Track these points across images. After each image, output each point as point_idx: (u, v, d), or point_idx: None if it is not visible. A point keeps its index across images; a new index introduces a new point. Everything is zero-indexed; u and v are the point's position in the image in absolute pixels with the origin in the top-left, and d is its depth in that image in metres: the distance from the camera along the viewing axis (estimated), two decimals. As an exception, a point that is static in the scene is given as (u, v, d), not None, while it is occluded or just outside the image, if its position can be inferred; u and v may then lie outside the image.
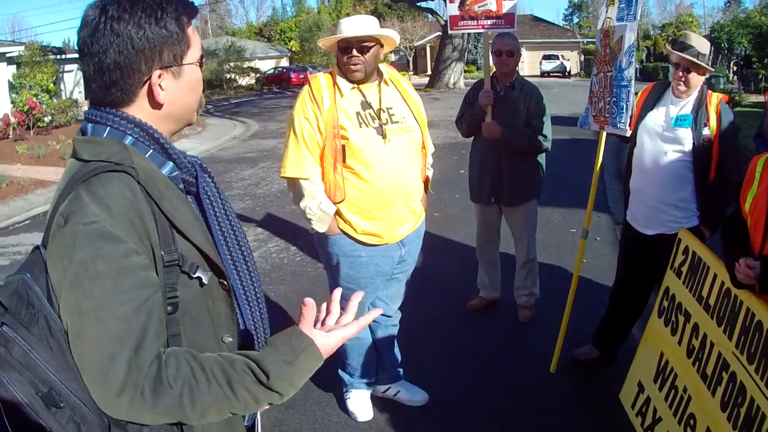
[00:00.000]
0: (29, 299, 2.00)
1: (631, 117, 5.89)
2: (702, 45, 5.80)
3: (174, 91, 2.27)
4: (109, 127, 2.20)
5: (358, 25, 5.06)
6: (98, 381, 1.91)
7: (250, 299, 2.54)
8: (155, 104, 2.24)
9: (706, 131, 5.65)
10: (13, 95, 31.20)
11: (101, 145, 2.16)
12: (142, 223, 2.06)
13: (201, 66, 2.38)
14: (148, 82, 2.20)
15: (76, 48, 2.21)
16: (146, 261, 2.05)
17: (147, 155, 2.23)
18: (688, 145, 5.71)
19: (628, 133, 5.92)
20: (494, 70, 7.46)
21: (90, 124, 2.24)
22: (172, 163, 2.29)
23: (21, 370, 1.93)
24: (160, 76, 2.21)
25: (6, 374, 1.93)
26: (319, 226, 5.17)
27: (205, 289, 2.26)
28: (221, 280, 2.33)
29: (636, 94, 6.09)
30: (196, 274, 2.21)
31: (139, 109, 2.23)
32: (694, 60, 5.68)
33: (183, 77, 2.29)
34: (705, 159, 5.66)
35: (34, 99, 29.90)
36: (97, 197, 2.02)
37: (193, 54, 2.32)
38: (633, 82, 5.79)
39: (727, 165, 5.62)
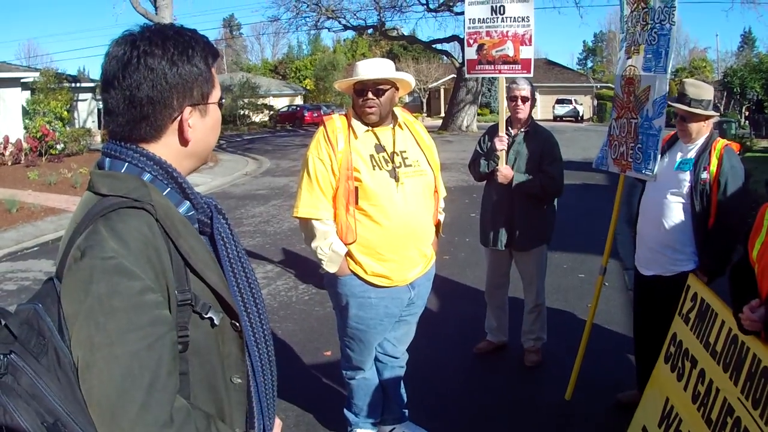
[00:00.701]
0: (40, 329, 1.99)
1: (657, 165, 5.97)
2: (698, 92, 5.86)
3: (199, 129, 2.31)
4: (127, 163, 2.21)
5: (374, 67, 5.12)
6: (106, 416, 1.90)
7: (258, 341, 2.52)
8: (183, 141, 2.28)
9: (704, 175, 5.69)
10: (27, 121, 31.37)
11: (120, 180, 2.18)
12: (158, 261, 2.08)
13: (221, 106, 2.43)
14: (179, 118, 2.25)
15: (102, 81, 2.24)
16: (161, 299, 2.05)
17: (165, 193, 2.24)
18: (686, 188, 5.78)
19: (655, 180, 5.98)
20: (509, 114, 7.49)
21: (108, 159, 2.25)
22: (188, 202, 2.32)
23: (27, 399, 1.91)
24: (190, 113, 2.25)
25: (12, 402, 1.90)
26: (330, 267, 5.19)
27: (216, 329, 2.26)
28: (233, 321, 2.34)
29: None
30: (208, 315, 2.22)
31: (164, 146, 2.26)
32: (687, 108, 5.77)
33: (208, 116, 2.34)
34: (703, 203, 5.72)
35: (48, 126, 30.11)
36: (116, 232, 2.03)
37: (216, 94, 2.37)
38: (663, 131, 5.87)
39: (727, 210, 5.64)
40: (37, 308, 2.03)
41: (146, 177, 2.22)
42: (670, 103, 5.85)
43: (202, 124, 2.33)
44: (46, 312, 2.02)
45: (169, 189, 2.26)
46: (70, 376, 1.95)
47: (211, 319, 2.22)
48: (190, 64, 2.22)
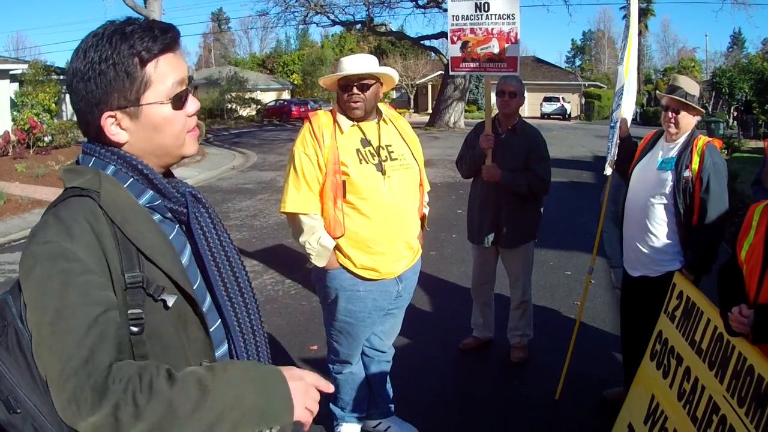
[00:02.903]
0: (3, 314, 2.15)
1: (613, 157, 6.08)
2: (690, 86, 5.90)
3: (134, 131, 2.32)
4: (94, 158, 2.34)
5: (358, 63, 5.15)
6: (54, 391, 1.97)
7: (244, 331, 2.52)
8: (110, 143, 2.34)
9: (686, 173, 5.70)
10: (15, 113, 31.19)
11: (78, 173, 2.30)
12: (100, 245, 2.15)
13: (180, 99, 2.35)
14: (98, 122, 2.29)
15: None
16: (102, 280, 2.12)
17: (126, 184, 2.31)
18: (669, 188, 5.79)
19: (608, 172, 6.12)
20: (496, 112, 7.47)
21: (81, 155, 2.39)
22: (152, 191, 2.36)
23: None
24: (113, 117, 2.29)
25: None
26: (319, 261, 5.21)
27: (174, 314, 2.28)
28: (192, 306, 2.36)
29: (639, 139, 6.23)
30: (160, 297, 2.24)
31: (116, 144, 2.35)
32: (683, 100, 5.78)
33: (142, 117, 2.31)
34: (687, 202, 5.72)
35: (36, 118, 29.86)
36: (59, 219, 2.15)
37: (158, 91, 2.30)
38: (618, 122, 6.10)
39: (710, 207, 5.65)
40: (7, 298, 2.19)
41: (110, 170, 2.31)
42: (665, 94, 5.91)
43: (136, 126, 2.31)
44: (14, 300, 2.17)
45: (131, 180, 2.33)
46: (28, 356, 2.08)
47: (163, 301, 2.24)
48: (104, 75, 2.23)
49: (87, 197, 2.20)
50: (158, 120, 2.34)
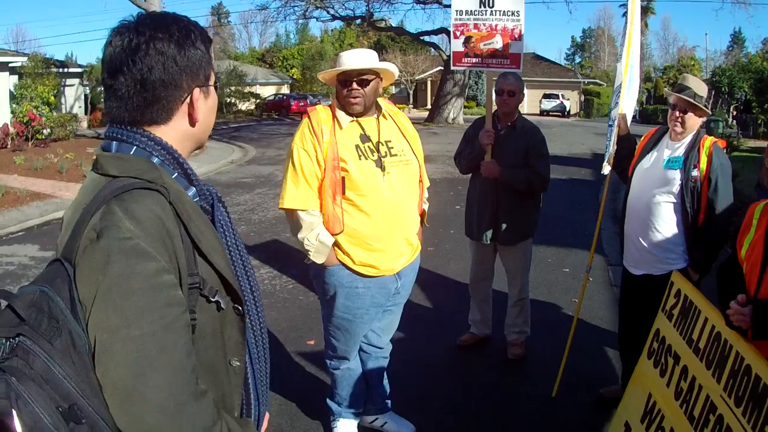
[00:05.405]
0: (51, 312, 1.95)
1: (610, 155, 6.08)
2: (699, 87, 5.88)
3: (203, 111, 2.35)
4: (135, 147, 2.23)
5: (357, 58, 5.13)
6: (122, 399, 1.90)
7: (254, 327, 2.55)
8: (193, 121, 2.33)
9: (694, 172, 5.69)
10: (14, 105, 31.28)
11: (130, 162, 2.19)
12: (171, 243, 2.09)
13: (216, 88, 2.46)
14: (189, 100, 2.29)
15: (108, 69, 2.23)
16: (175, 280, 2.06)
17: (173, 177, 2.26)
18: (676, 187, 5.77)
19: (605, 171, 6.09)
20: (496, 108, 7.47)
21: (114, 143, 2.26)
22: (194, 188, 2.35)
23: (41, 383, 1.86)
24: (198, 94, 2.29)
25: (25, 387, 1.83)
26: (317, 258, 5.18)
27: (221, 313, 2.28)
28: (236, 305, 2.36)
29: (639, 137, 6.22)
30: (215, 299, 2.24)
31: (172, 129, 2.29)
32: (691, 101, 5.77)
33: (210, 97, 2.38)
34: (694, 201, 5.72)
35: (35, 111, 29.98)
36: (130, 213, 2.02)
37: (213, 76, 2.40)
38: (616, 121, 6.16)
39: (716, 208, 5.65)
40: (46, 290, 1.98)
41: (155, 161, 2.24)
42: (673, 93, 5.90)
43: (205, 106, 2.37)
44: (57, 294, 1.98)
45: (176, 174, 2.29)
46: (85, 359, 1.94)
47: (218, 302, 2.25)
48: (194, 47, 2.27)
49: (156, 191, 2.12)
50: (215, 101, 2.44)
